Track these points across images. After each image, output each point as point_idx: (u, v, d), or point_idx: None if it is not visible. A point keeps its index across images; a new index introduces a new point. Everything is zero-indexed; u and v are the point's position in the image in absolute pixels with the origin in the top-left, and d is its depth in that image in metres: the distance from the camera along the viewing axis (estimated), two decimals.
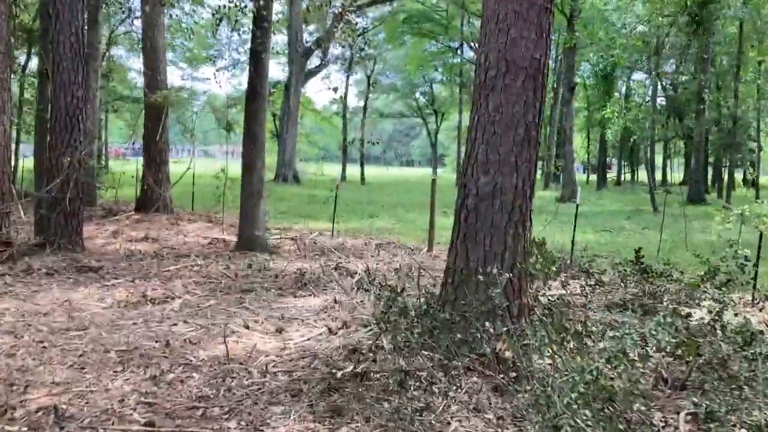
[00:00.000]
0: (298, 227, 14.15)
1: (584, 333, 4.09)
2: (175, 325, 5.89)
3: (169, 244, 10.62)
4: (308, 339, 5.54)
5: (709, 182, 39.60)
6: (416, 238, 13.24)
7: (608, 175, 46.97)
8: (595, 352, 3.62)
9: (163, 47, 14.25)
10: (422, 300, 5.99)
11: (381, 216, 17.16)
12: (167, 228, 12.48)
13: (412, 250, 11.21)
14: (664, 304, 6.00)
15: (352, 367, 4.35)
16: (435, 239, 11.31)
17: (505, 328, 4.38)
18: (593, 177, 51.23)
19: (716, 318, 4.21)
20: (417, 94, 60.93)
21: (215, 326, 5.84)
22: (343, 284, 7.79)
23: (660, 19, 21.78)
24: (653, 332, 3.60)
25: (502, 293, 4.72)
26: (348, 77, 41.38)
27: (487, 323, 4.36)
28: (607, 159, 53.85)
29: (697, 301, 5.92)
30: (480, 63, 4.92)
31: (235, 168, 12.84)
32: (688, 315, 4.34)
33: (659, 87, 40.61)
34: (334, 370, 4.43)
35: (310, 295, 7.37)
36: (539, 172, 60.97)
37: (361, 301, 7.07)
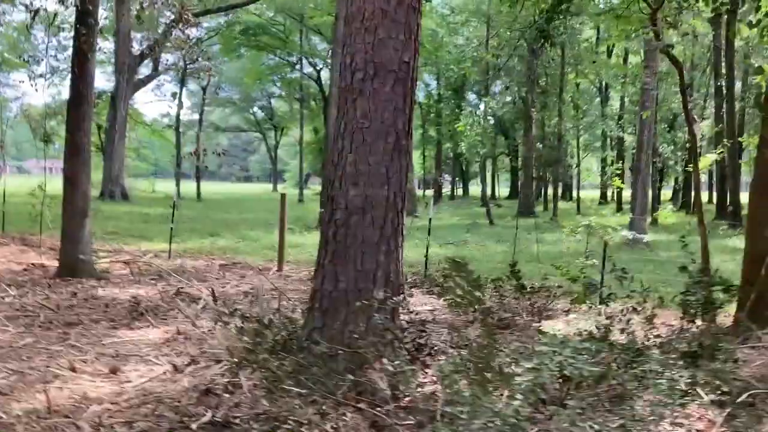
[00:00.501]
0: (130, 249, 12.89)
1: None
2: None
3: None
4: (149, 380, 4.75)
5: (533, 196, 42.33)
6: (263, 257, 12.55)
7: (442, 191, 48.63)
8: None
9: None
10: (282, 327, 5.41)
11: (223, 234, 16.21)
12: None
13: (261, 270, 10.52)
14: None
15: (209, 414, 3.68)
16: (284, 258, 10.71)
17: (395, 359, 3.94)
18: (428, 192, 52.99)
19: (605, 335, 4.05)
20: (255, 108, 59.77)
21: (33, 370, 4.86)
22: (187, 312, 6.97)
23: (494, 41, 22.85)
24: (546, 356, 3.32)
25: (377, 318, 4.29)
26: (182, 88, 39.47)
27: (372, 350, 3.91)
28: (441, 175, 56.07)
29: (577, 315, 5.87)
30: (345, 64, 4.48)
31: (56, 185, 11.44)
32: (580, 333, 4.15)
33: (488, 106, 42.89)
34: (185, 419, 3.74)
35: (148, 326, 6.50)
36: None
37: (209, 331, 6.33)
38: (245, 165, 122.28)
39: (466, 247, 15.32)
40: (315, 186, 65.34)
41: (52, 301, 7.35)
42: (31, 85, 14.61)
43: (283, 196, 10.62)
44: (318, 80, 45.27)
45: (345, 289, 4.33)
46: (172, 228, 12.12)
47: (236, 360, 4.66)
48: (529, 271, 11.64)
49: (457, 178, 57.50)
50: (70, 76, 8.72)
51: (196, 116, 53.36)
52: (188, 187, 42.07)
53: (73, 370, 4.84)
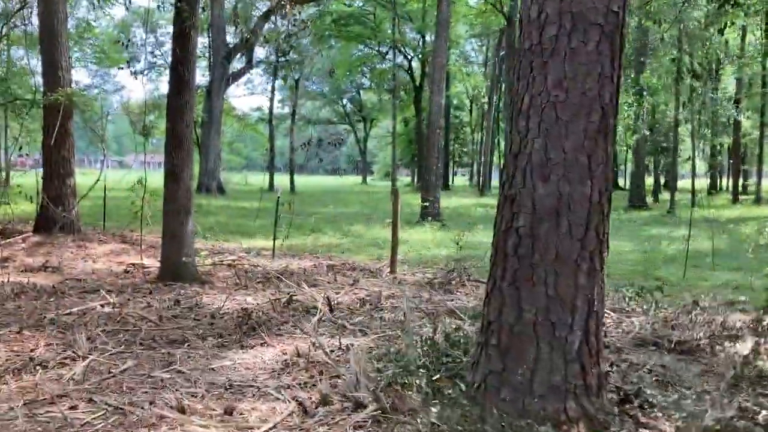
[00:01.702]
0: (230, 246, 12.25)
1: None
2: (74, 408, 4.03)
3: (73, 274, 8.56)
4: (273, 426, 3.80)
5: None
6: (369, 255, 11.62)
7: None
8: None
9: (65, 38, 12.07)
10: (437, 360, 4.36)
11: (324, 230, 15.41)
12: (72, 252, 10.34)
13: (372, 272, 9.55)
14: None
15: None
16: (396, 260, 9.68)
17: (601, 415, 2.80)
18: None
19: None
20: (344, 101, 59.44)
21: (135, 407, 4.01)
22: (306, 328, 6.03)
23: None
24: None
25: (577, 359, 3.17)
26: (274, 81, 39.36)
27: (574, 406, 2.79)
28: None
29: None
30: (530, 17, 3.34)
31: (155, 179, 10.87)
32: None
33: None
34: None
35: (262, 343, 5.59)
36: (465, 177, 60.44)
37: (331, 352, 5.37)
38: (333, 158, 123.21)
39: None
40: (402, 177, 64.55)
41: (154, 311, 6.60)
42: (131, 71, 14.20)
43: (395, 192, 9.61)
44: (409, 70, 44.24)
45: (533, 322, 3.21)
46: (276, 224, 11.31)
47: (383, 407, 3.65)
48: (671, 275, 10.17)
49: None
50: (170, 60, 7.97)
51: (286, 110, 53.61)
52: (280, 180, 42.02)
53: (182, 411, 3.94)
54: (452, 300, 7.73)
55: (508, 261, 3.31)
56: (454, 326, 6.23)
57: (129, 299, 7.10)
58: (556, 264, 3.20)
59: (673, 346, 5.69)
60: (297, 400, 4.18)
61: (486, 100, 35.50)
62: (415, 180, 51.00)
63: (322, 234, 14.70)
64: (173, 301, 7.06)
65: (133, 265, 9.27)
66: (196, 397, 4.25)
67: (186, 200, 7.93)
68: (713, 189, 42.84)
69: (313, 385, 4.51)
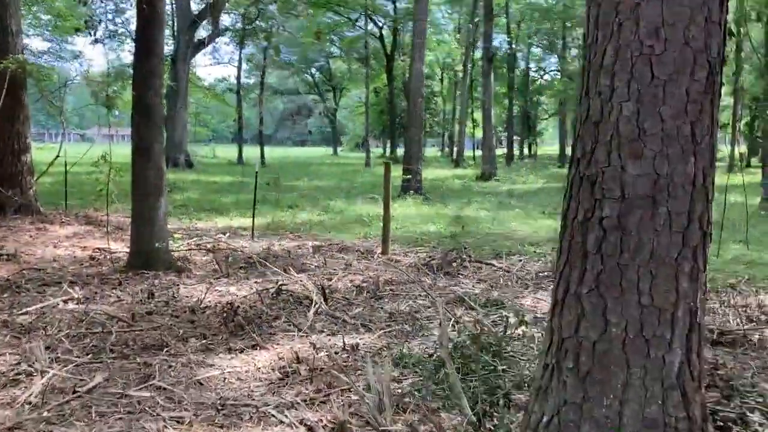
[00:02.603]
0: (204, 226, 11.39)
1: None
2: None
3: (32, 263, 7.65)
4: None
5: None
6: (354, 234, 10.86)
7: (513, 151, 46.02)
8: None
9: (15, 2, 10.92)
10: (475, 377, 3.68)
11: (301, 205, 14.58)
12: (31, 236, 9.39)
13: (362, 253, 8.81)
14: None
15: None
16: (389, 238, 8.94)
17: None
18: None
19: None
20: (313, 70, 58.03)
21: None
22: (302, 325, 5.28)
23: None
24: None
25: (677, 385, 2.49)
26: (241, 50, 37.95)
27: None
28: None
29: None
30: None
31: (120, 153, 9.95)
32: None
33: None
34: None
35: (254, 345, 4.84)
36: (435, 147, 59.64)
37: (336, 354, 4.65)
38: (301, 129, 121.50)
39: None
40: (373, 149, 63.44)
41: (125, 307, 5.79)
42: (89, 33, 13.05)
43: (387, 165, 8.80)
44: (381, 38, 43.11)
45: (622, 339, 2.51)
46: (255, 201, 10.48)
47: None
48: None
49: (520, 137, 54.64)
50: (134, 25, 7.03)
51: (252, 80, 52.04)
52: (249, 152, 40.83)
53: None
54: (455, 284, 7.05)
55: (588, 261, 2.59)
56: (468, 318, 5.57)
57: (96, 293, 6.26)
58: (653, 264, 2.50)
59: (715, 336, 5.10)
60: (306, 425, 3.46)
61: (461, 68, 34.65)
62: (388, 151, 50.14)
63: (301, 210, 13.88)
64: (146, 293, 6.24)
65: (100, 250, 8.38)
66: (182, 423, 3.50)
67: (157, 179, 7.07)
68: None
69: (322, 402, 3.79)
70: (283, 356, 4.61)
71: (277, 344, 4.90)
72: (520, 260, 8.32)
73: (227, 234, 10.35)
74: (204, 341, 4.94)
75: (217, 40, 36.63)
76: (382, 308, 6.05)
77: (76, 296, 5.95)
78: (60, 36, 28.52)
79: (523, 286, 7.04)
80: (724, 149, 37.72)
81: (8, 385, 3.96)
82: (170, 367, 4.34)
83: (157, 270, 7.00)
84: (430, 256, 8.55)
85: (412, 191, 16.23)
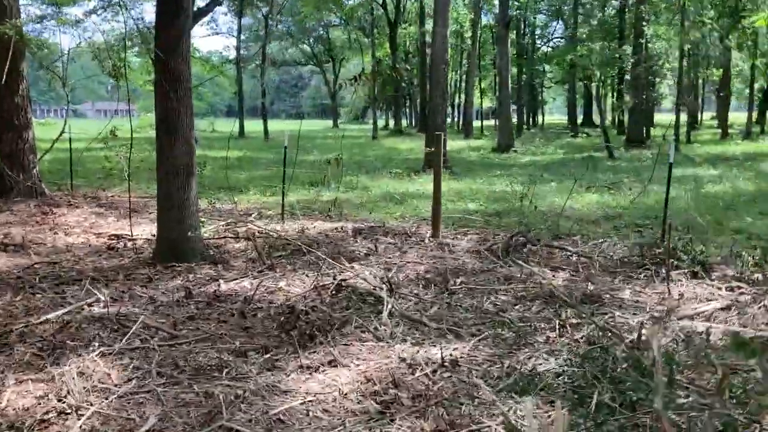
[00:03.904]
0: (224, 207, 10.45)
1: None
2: None
3: (43, 254, 6.72)
4: None
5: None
6: (386, 213, 9.94)
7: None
8: None
9: None
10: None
11: (318, 182, 13.56)
12: (38, 222, 8.44)
13: (409, 236, 7.90)
14: None
15: None
16: (440, 220, 8.01)
17: None
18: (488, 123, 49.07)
19: None
20: (311, 40, 56.52)
21: None
22: (379, 331, 4.38)
23: None
24: None
25: None
26: (240, 20, 36.56)
27: None
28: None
29: None
30: None
31: (128, 130, 8.96)
32: None
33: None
34: None
35: (330, 362, 3.95)
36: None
37: (433, 372, 3.76)
38: (296, 101, 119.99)
39: (623, 191, 12.34)
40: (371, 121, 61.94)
41: (162, 312, 4.88)
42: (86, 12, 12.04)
43: (437, 137, 7.84)
44: (383, 4, 41.71)
45: None
46: (284, 178, 9.52)
47: None
48: (749, 225, 8.68)
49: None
50: None
51: (245, 53, 50.43)
52: (248, 126, 39.63)
53: None
54: (529, 273, 6.14)
55: None
56: (575, 320, 4.68)
57: (123, 292, 5.34)
58: None
59: None
60: None
61: (469, 35, 33.41)
62: (392, 123, 48.97)
63: (323, 186, 12.92)
64: (183, 292, 5.34)
65: (117, 237, 7.45)
66: None
67: (187, 156, 6.12)
68: (695, 124, 41.79)
69: None
70: (371, 376, 3.72)
71: (357, 358, 4.01)
72: (594, 243, 7.41)
73: (253, 215, 9.43)
74: (267, 356, 4.04)
75: (216, 8, 35.27)
76: (460, 306, 5.16)
77: (103, 299, 5.02)
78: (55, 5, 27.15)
79: (610, 274, 6.15)
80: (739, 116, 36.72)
81: (36, 430, 3.07)
82: (237, 397, 3.45)
83: (189, 262, 6.08)
84: (486, 239, 7.66)
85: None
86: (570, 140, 31.53)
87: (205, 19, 36.81)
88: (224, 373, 3.74)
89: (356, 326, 4.55)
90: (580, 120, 45.79)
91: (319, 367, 3.89)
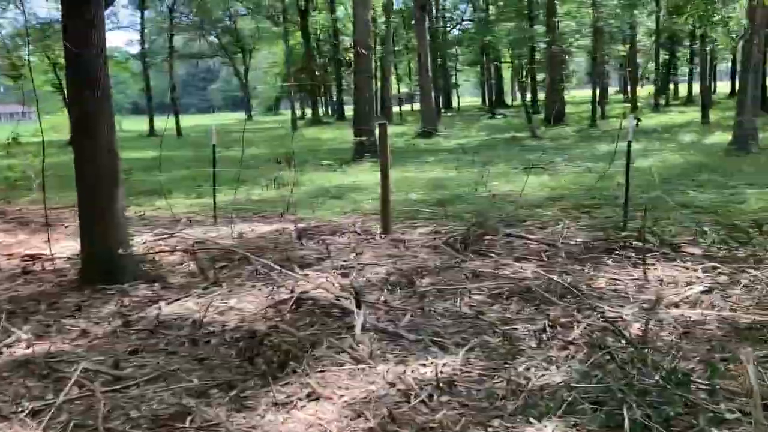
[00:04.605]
0: (152, 214, 9.64)
1: None
2: None
3: None
4: None
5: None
6: (327, 210, 9.41)
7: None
8: None
9: None
10: None
11: (250, 180, 12.83)
12: None
13: (359, 234, 7.40)
14: None
15: None
16: (389, 214, 7.53)
17: None
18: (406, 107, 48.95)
19: None
20: (217, 32, 54.59)
21: None
22: (357, 350, 3.88)
23: None
24: None
25: None
26: (142, 14, 34.77)
27: None
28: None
29: None
30: None
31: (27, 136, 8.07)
32: None
33: None
34: None
35: (310, 394, 3.42)
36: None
37: (429, 398, 3.31)
38: (205, 95, 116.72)
39: (556, 170, 12.24)
40: (286, 112, 60.53)
41: (99, 347, 4.20)
42: None
43: (383, 126, 7.35)
44: None
45: None
46: (214, 180, 8.83)
47: None
48: (693, 199, 8.64)
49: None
50: None
51: (148, 46, 48.19)
52: (159, 122, 37.91)
53: None
54: (495, 266, 5.78)
55: None
56: (567, 318, 4.33)
57: (49, 326, 4.60)
58: None
59: None
60: None
61: (383, 19, 32.92)
62: (309, 113, 48.07)
63: (252, 184, 12.21)
64: (120, 320, 4.66)
65: (33, 258, 6.59)
66: None
67: (111, 163, 5.39)
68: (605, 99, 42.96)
69: None
70: (360, 410, 3.23)
71: (339, 387, 3.51)
72: (552, 230, 7.14)
73: (182, 222, 8.70)
74: (233, 393, 3.48)
75: (114, 2, 33.36)
76: (434, 311, 4.72)
77: (25, 336, 4.29)
78: None
79: (578, 262, 5.86)
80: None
81: None
82: None
83: (121, 283, 5.37)
84: (438, 231, 7.28)
85: (368, 154, 14.77)
86: (489, 122, 31.69)
87: (106, 12, 34.86)
88: (188, 422, 3.16)
89: (328, 347, 4.03)
90: (489, 101, 46.41)
91: (296, 402, 3.36)
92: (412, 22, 43.98)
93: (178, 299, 5.08)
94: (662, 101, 35.97)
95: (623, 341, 3.69)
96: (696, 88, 41.13)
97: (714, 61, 40.91)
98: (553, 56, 25.59)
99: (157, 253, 6.30)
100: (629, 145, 6.84)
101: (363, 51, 14.46)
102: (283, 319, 4.53)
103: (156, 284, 5.47)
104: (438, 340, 4.14)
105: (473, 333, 4.26)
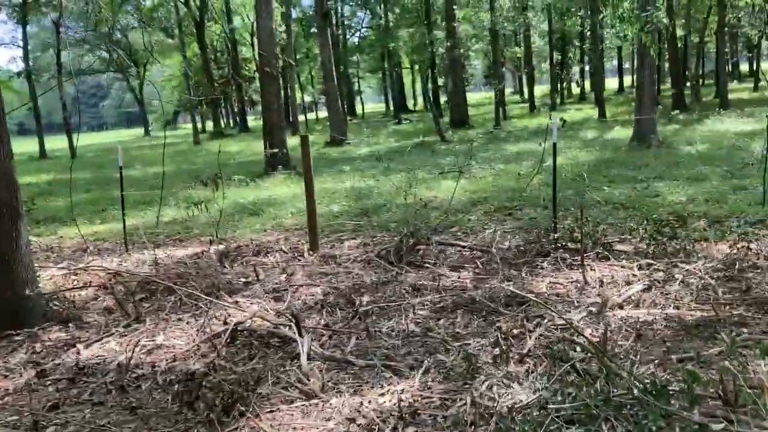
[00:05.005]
0: (47, 242, 8.93)
1: None
2: None
3: None
4: None
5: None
6: (246, 228, 9.02)
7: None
8: None
9: None
10: None
11: (157, 201, 12.16)
12: None
13: (286, 252, 7.08)
14: None
15: None
16: (317, 231, 7.24)
17: None
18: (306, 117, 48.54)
19: None
20: (109, 46, 52.29)
21: None
22: (308, 384, 3.59)
23: None
24: None
25: None
26: (24, 29, 32.74)
27: None
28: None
29: None
30: None
31: None
32: None
33: None
34: None
35: None
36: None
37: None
38: (97, 112, 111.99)
39: (471, 175, 12.31)
40: (185, 126, 58.77)
41: (12, 405, 3.72)
42: None
43: (304, 138, 7.04)
44: (186, 2, 39.49)
45: None
46: (123, 203, 8.26)
47: None
48: (609, 195, 8.84)
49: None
50: None
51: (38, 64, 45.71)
52: (50, 143, 35.90)
53: None
54: (435, 280, 5.62)
55: None
56: (514, 329, 4.21)
57: None
58: None
59: None
60: None
61: (283, 28, 32.39)
62: (210, 125, 46.79)
63: (162, 205, 11.57)
64: (33, 369, 4.16)
65: None
66: None
67: (9, 193, 4.86)
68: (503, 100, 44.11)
69: None
70: None
71: (293, 428, 3.23)
72: (483, 235, 7.07)
73: (87, 251, 8.08)
74: None
75: None
76: (380, 331, 4.50)
77: None
78: None
79: (514, 268, 5.80)
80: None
81: None
82: None
83: (31, 327, 4.83)
84: (367, 244, 7.08)
85: (280, 166, 14.38)
86: (396, 127, 31.84)
87: None
88: None
89: (274, 382, 3.74)
90: (393, 107, 46.75)
91: None
92: (311, 30, 44.10)
93: (98, 340, 4.61)
94: (558, 100, 37.33)
95: (584, 352, 3.59)
96: (587, 85, 43.07)
97: (602, 59, 42.91)
98: (454, 60, 25.95)
99: (68, 289, 5.74)
100: (555, 146, 6.84)
101: (270, 62, 14.05)
102: (219, 354, 4.18)
103: (70, 325, 4.97)
104: (390, 363, 3.93)
105: (425, 352, 4.08)
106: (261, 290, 5.58)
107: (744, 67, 49.42)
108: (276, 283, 5.77)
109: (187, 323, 4.85)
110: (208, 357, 4.16)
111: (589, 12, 23.80)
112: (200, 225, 9.38)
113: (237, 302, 5.22)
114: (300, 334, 4.32)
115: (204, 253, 7.23)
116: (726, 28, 24.62)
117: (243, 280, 6.00)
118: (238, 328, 4.51)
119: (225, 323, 4.62)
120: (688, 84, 31.85)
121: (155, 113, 78.96)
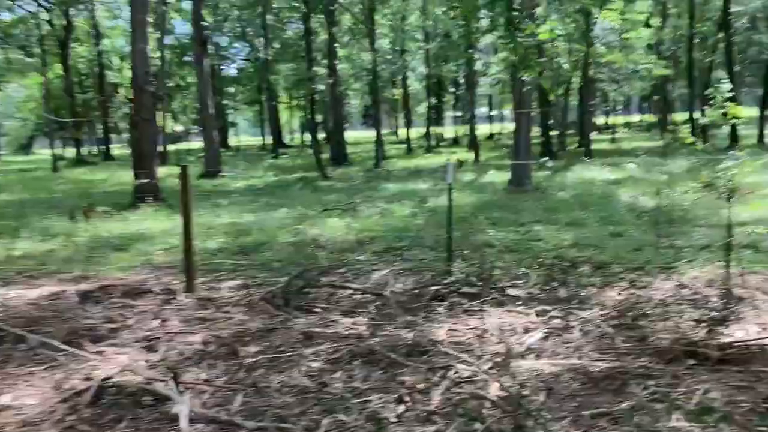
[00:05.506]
0: None
1: None
2: None
3: None
4: None
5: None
6: (110, 265, 8.18)
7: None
8: None
9: None
10: None
11: (7, 234, 10.89)
12: None
13: (157, 294, 6.40)
14: None
15: None
16: (194, 269, 6.62)
17: None
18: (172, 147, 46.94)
19: None
20: None
21: None
22: None
23: None
24: None
25: None
26: None
27: None
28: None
29: None
30: None
31: None
32: None
33: None
34: None
35: None
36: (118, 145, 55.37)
37: None
38: None
39: (356, 213, 12.07)
40: (42, 152, 54.75)
41: None
42: None
43: (184, 168, 6.43)
44: (49, 21, 37.16)
45: None
46: None
47: None
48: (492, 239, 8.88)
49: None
50: None
51: None
52: None
53: None
54: (328, 326, 5.23)
55: None
56: (418, 383, 3.91)
57: None
58: None
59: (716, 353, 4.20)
60: None
61: (158, 54, 31.10)
62: (73, 152, 43.83)
63: (11, 238, 10.37)
64: None
65: None
66: None
67: None
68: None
69: None
70: None
71: None
72: (372, 277, 6.76)
73: None
74: None
75: None
76: (270, 387, 4.04)
77: None
78: None
79: (410, 313, 5.52)
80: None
81: None
82: None
83: None
84: (248, 285, 6.58)
85: (151, 198, 13.44)
86: (274, 161, 31.26)
87: None
88: None
89: None
90: (269, 140, 46.12)
91: None
92: (185, 58, 42.76)
93: None
94: (433, 142, 38.32)
95: (497, 408, 3.33)
96: (460, 130, 44.63)
97: (474, 105, 44.72)
98: (335, 98, 25.95)
99: None
100: (450, 188, 6.70)
101: (145, 84, 13.21)
102: (81, 417, 3.55)
103: None
104: (284, 426, 3.49)
105: (322, 411, 3.67)
106: (131, 338, 4.93)
107: (599, 119, 53.27)
108: (148, 330, 5.14)
109: (41, 378, 4.15)
110: (66, 421, 3.53)
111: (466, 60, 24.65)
112: (58, 261, 8.42)
113: (102, 352, 4.56)
114: (179, 392, 3.78)
115: (63, 294, 6.41)
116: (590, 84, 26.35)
117: (108, 325, 5.31)
118: (104, 384, 3.89)
119: (88, 378, 3.98)
120: (552, 133, 33.73)
121: (8, 136, 73.31)
